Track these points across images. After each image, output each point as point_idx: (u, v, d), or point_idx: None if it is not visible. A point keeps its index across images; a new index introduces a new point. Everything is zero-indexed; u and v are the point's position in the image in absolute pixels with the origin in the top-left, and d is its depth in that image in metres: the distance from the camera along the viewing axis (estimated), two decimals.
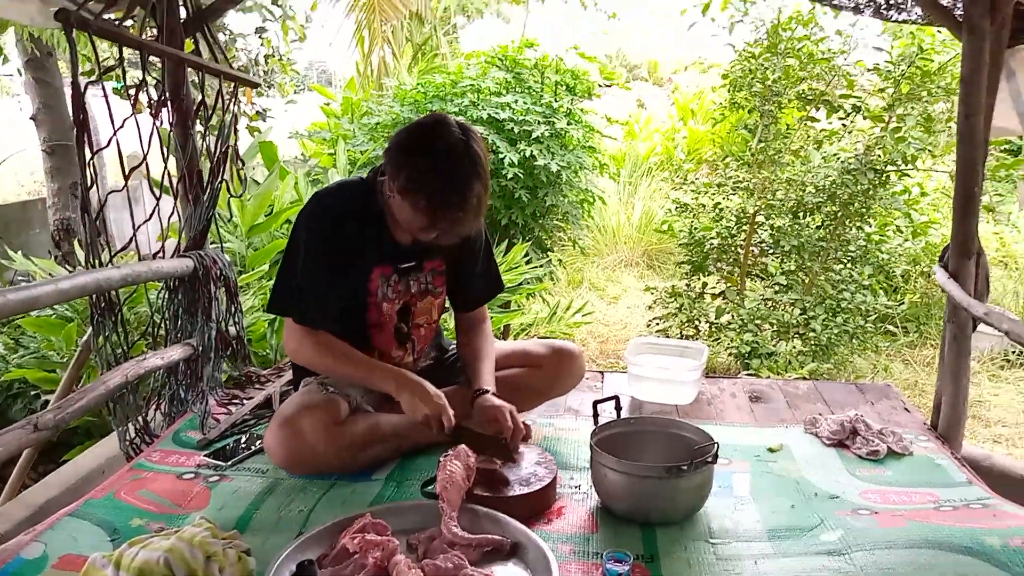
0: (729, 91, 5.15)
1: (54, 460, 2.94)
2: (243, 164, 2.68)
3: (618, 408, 2.15)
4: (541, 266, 5.01)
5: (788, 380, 3.37)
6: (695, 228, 5.25)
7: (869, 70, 4.66)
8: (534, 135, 4.88)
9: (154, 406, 2.48)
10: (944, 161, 4.82)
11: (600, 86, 7.94)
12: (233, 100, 2.60)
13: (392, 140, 1.99)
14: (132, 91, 2.23)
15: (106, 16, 2.21)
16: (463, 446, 1.91)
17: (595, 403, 2.12)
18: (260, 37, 6.83)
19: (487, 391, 2.13)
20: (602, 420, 2.09)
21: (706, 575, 1.66)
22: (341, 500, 1.95)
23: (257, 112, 7.35)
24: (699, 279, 5.26)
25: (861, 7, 2.65)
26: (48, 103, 6.26)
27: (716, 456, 1.85)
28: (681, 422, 2.10)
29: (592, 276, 7.10)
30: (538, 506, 1.91)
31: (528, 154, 4.81)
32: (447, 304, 2.40)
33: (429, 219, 1.91)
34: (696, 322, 5.09)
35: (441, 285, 2.30)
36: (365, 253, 2.10)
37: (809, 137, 5.02)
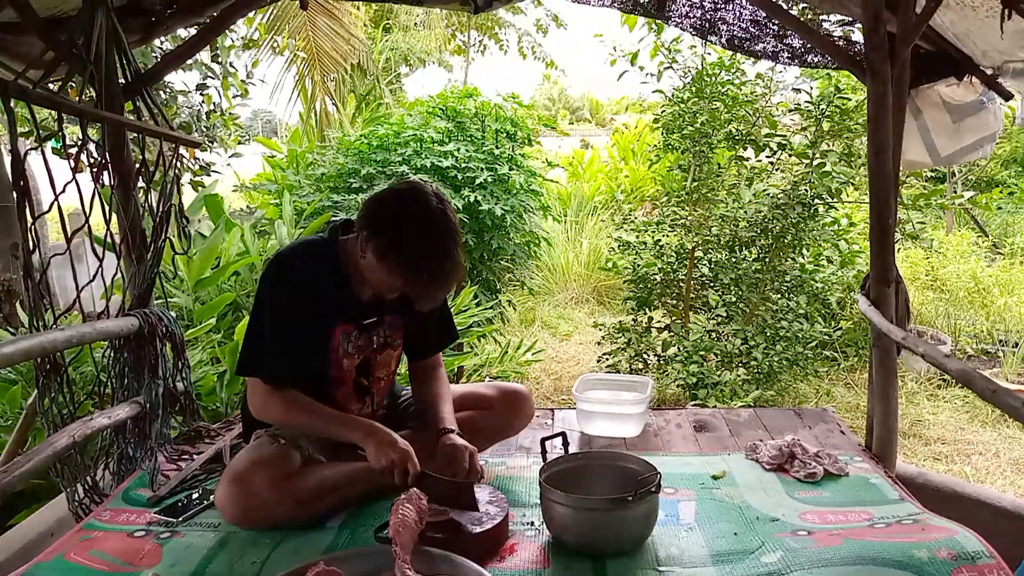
0: (663, 134, 5.34)
1: None
2: (187, 221, 2.69)
3: (565, 444, 2.20)
4: (490, 307, 5.07)
5: (731, 408, 3.47)
6: (638, 265, 5.38)
7: (791, 110, 4.90)
8: (477, 181, 4.99)
9: (102, 466, 2.44)
10: (868, 193, 5.05)
11: (543, 129, 8.14)
12: (174, 159, 2.63)
13: (368, 204, 2.05)
14: (73, 151, 2.25)
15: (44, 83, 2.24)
16: (415, 490, 1.94)
17: (543, 440, 2.17)
18: (201, 94, 6.84)
19: (451, 430, 2.17)
20: (551, 456, 2.14)
21: None
22: (294, 550, 1.95)
23: (201, 167, 7.34)
24: (645, 314, 5.38)
25: (777, 54, 2.82)
26: (13, 165, 6.16)
27: (659, 486, 1.91)
28: (627, 454, 2.17)
29: (543, 314, 7.19)
30: (491, 544, 1.94)
31: (472, 200, 4.91)
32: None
33: (406, 283, 1.97)
34: (644, 356, 5.19)
35: (399, 338, 2.34)
36: (327, 311, 2.14)
37: (741, 175, 5.22)
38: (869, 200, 2.52)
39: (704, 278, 5.31)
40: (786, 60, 2.84)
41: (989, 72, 2.96)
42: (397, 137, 5.30)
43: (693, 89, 4.90)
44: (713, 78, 4.79)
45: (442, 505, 2.01)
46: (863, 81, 2.38)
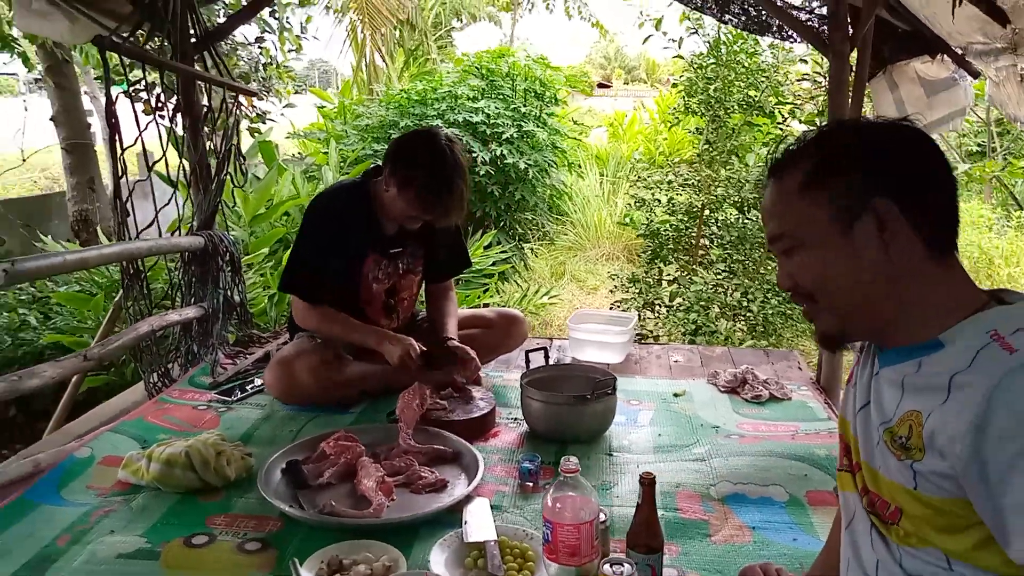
0: (683, 98, 5.60)
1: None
2: (244, 160, 3.12)
3: (546, 357, 2.60)
4: (509, 251, 5.45)
5: (708, 347, 3.82)
6: (651, 220, 5.70)
7: (799, 80, 5.13)
8: (504, 136, 5.32)
9: (173, 360, 2.92)
10: None
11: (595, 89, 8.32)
12: (235, 107, 3.04)
13: (391, 145, 2.44)
14: (148, 96, 2.68)
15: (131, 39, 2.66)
16: (417, 384, 2.36)
17: (527, 352, 2.58)
18: (259, 47, 7.24)
19: (451, 338, 2.59)
20: (533, 366, 2.55)
21: (600, 473, 2.11)
22: (323, 424, 2.39)
23: (257, 115, 7.78)
24: (655, 267, 5.71)
25: (748, 25, 3.09)
26: (66, 106, 6.67)
27: (614, 389, 2.30)
28: (596, 367, 2.56)
29: (573, 268, 7.53)
30: (477, 429, 2.35)
31: (498, 153, 5.26)
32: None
33: (421, 209, 2.36)
34: (653, 305, 5.55)
35: (420, 265, 2.74)
36: (359, 244, 2.53)
37: (755, 140, 5.47)
38: None
39: (714, 235, 5.61)
40: (758, 31, 3.12)
41: (959, 51, 3.21)
42: (434, 92, 5.65)
43: (711, 56, 5.14)
44: (729, 47, 5.03)
45: (443, 371, 2.49)
46: (826, 56, 2.66)
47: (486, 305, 4.95)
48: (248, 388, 2.68)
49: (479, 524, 1.75)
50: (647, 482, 1.47)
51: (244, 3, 3.33)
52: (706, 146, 5.35)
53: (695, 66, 5.29)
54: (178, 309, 2.74)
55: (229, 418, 2.44)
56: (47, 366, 1.97)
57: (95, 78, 9.17)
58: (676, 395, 2.79)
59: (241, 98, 7.36)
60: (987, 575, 0.91)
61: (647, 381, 2.94)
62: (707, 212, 5.47)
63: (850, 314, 1.04)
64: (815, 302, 1.06)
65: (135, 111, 2.66)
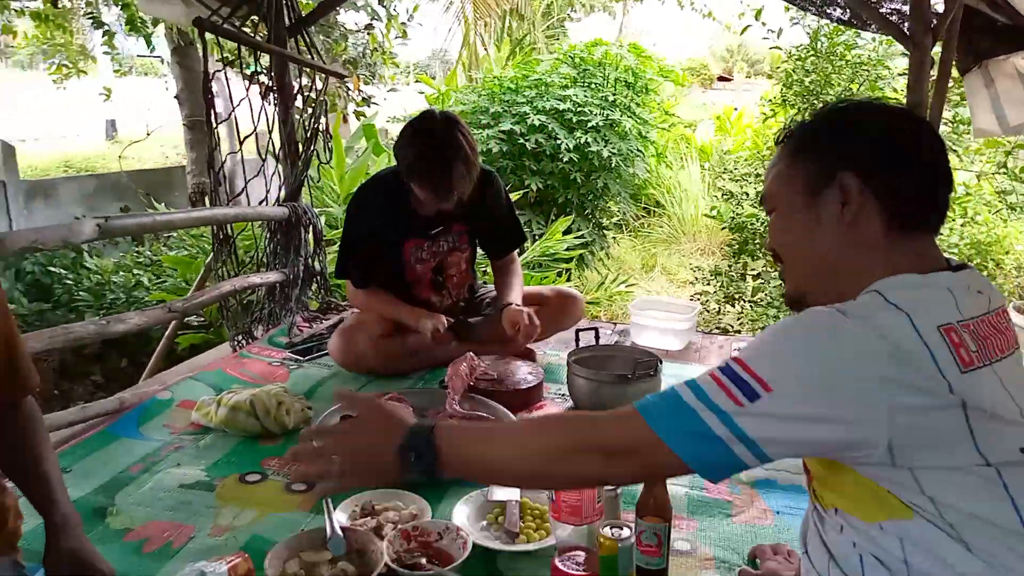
0: (780, 90, 5.46)
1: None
2: (330, 137, 3.30)
3: (596, 337, 2.65)
4: (582, 236, 5.48)
5: None
6: (738, 214, 5.59)
7: (902, 73, 4.90)
8: (590, 124, 5.35)
9: (256, 320, 3.15)
10: (974, 160, 4.99)
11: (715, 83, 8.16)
12: (324, 88, 3.22)
13: (399, 134, 2.51)
14: (252, 78, 2.89)
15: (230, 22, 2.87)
16: (470, 354, 2.47)
17: (577, 331, 2.63)
18: (367, 33, 7.53)
19: (512, 303, 2.66)
20: (582, 345, 2.60)
21: None
22: (381, 387, 2.53)
23: (363, 99, 8.10)
24: (739, 260, 5.60)
25: (842, 19, 3.01)
26: (189, 85, 7.16)
27: (657, 371, 2.33)
28: (643, 350, 2.59)
29: (665, 261, 7.44)
30: (523, 400, 2.43)
31: (583, 141, 5.29)
32: (479, 254, 2.96)
33: (427, 192, 2.40)
34: (734, 299, 5.46)
35: (466, 242, 2.82)
36: (396, 229, 2.63)
37: None
38: None
39: None
40: (857, 25, 3.02)
41: None
42: (525, 80, 5.74)
43: (810, 48, 4.98)
44: (829, 38, 4.86)
45: (490, 342, 2.59)
46: (907, 48, 2.57)
47: None
48: (319, 350, 2.86)
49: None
50: None
51: None
52: None
53: (793, 57, 5.15)
54: (260, 273, 2.95)
55: (297, 375, 2.62)
56: (133, 314, 2.19)
57: (217, 59, 9.83)
58: None
59: (349, 82, 7.70)
60: (870, 528, 0.94)
61: (701, 368, 2.93)
62: None
63: (808, 278, 1.08)
64: (783, 263, 1.12)
65: (229, 91, 2.87)
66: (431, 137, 2.35)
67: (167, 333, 3.23)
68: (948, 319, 0.90)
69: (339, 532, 1.55)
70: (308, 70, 3.23)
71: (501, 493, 1.79)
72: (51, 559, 1.33)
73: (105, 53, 7.06)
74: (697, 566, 1.61)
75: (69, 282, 5.11)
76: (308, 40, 3.16)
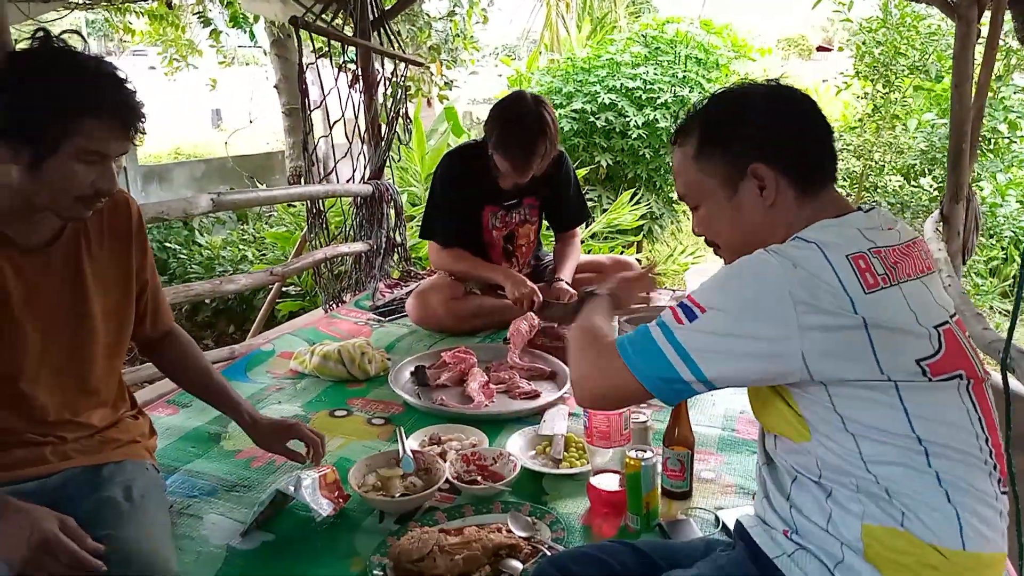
0: (853, 62, 5.42)
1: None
2: (410, 120, 3.59)
3: (647, 299, 2.84)
4: (650, 210, 5.61)
5: None
6: None
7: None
8: (659, 101, 5.46)
9: (345, 287, 3.49)
10: None
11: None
12: (405, 75, 3.51)
13: (490, 110, 2.77)
14: (342, 68, 3.19)
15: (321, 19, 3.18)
16: (530, 313, 2.71)
17: None
18: (449, 20, 7.83)
19: (561, 279, 2.90)
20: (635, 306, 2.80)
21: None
22: (452, 343, 2.80)
23: (446, 83, 8.42)
24: None
25: None
26: (287, 75, 7.62)
27: None
28: None
29: None
30: None
31: (652, 118, 5.42)
32: (545, 227, 3.19)
33: (510, 165, 2.66)
34: None
35: (535, 215, 3.07)
36: (477, 197, 2.89)
37: (925, 106, 5.19)
38: (950, 126, 2.78)
39: (876, 203, 5.39)
40: None
41: None
42: (597, 60, 5.89)
43: (881, 19, 4.93)
44: (900, 9, 4.80)
45: (560, 324, 2.76)
46: (952, 20, 2.62)
47: None
48: (399, 312, 3.17)
49: (554, 422, 2.07)
50: None
51: None
52: (873, 111, 5.17)
53: (864, 28, 5.10)
54: (348, 243, 3.28)
55: (379, 332, 2.93)
56: (241, 276, 2.54)
57: (311, 51, 10.35)
58: None
59: (432, 68, 8.00)
60: (784, 444, 1.11)
61: None
62: (870, 179, 5.29)
63: (744, 252, 1.14)
64: (719, 247, 1.25)
65: (321, 81, 3.19)
66: (520, 115, 2.60)
67: (269, 297, 3.63)
68: (858, 248, 1.02)
69: (409, 453, 1.83)
70: (389, 59, 3.52)
71: (550, 428, 2.03)
72: (263, 439, 1.77)
73: (211, 46, 7.60)
74: (719, 491, 1.81)
75: (183, 256, 5.65)
76: (389, 32, 3.44)
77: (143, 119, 1.35)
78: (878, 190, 5.14)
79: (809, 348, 0.98)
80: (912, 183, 5.01)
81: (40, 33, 1.30)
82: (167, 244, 5.75)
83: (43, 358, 1.45)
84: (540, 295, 2.76)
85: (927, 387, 1.00)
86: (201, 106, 16.23)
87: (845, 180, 5.31)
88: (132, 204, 1.59)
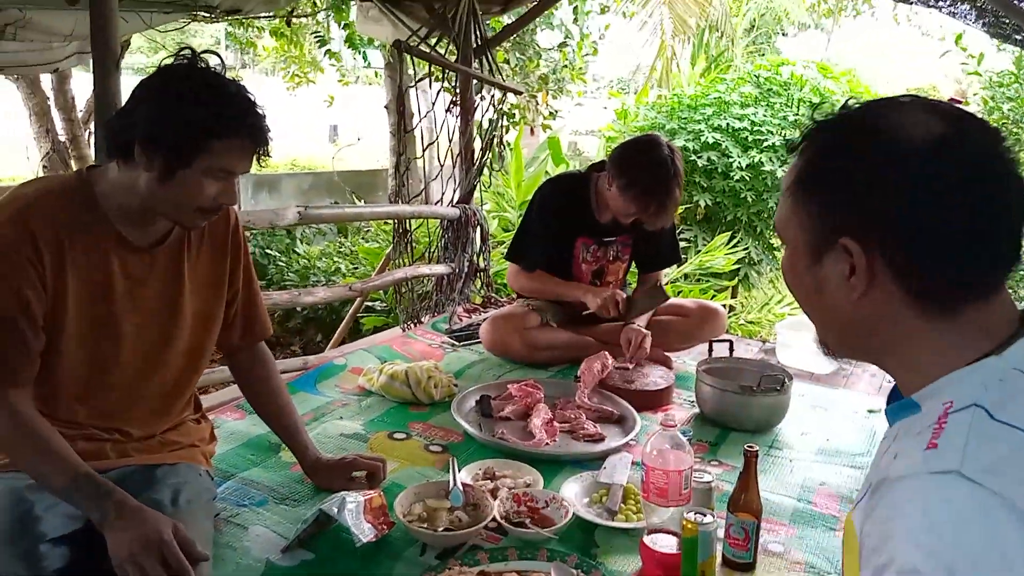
0: (983, 115, 5.08)
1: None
2: (504, 146, 3.60)
3: (731, 350, 2.70)
4: (748, 254, 5.41)
5: None
6: None
7: None
8: (766, 143, 5.28)
9: (424, 308, 3.50)
10: None
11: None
12: (502, 103, 3.52)
13: (618, 148, 2.72)
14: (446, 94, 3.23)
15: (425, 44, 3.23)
16: (605, 352, 2.61)
17: (710, 342, 2.70)
18: (559, 51, 7.88)
19: (634, 322, 2.80)
20: (715, 355, 2.67)
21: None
22: (522, 375, 2.75)
23: (550, 113, 8.46)
24: None
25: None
26: (396, 96, 7.86)
27: (784, 386, 2.35)
28: (776, 366, 2.60)
29: None
30: (651, 401, 2.53)
31: (757, 160, 5.23)
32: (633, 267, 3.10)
33: (638, 209, 2.60)
34: None
35: (627, 254, 2.99)
36: (573, 227, 2.85)
37: None
38: None
39: None
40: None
41: None
42: (705, 98, 5.76)
43: (1014, 74, 4.60)
44: None
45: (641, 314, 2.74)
46: None
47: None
48: (474, 338, 3.14)
49: (614, 471, 1.97)
50: (750, 454, 1.61)
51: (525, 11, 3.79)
52: None
53: (994, 83, 4.78)
54: (429, 264, 3.29)
55: (451, 356, 2.91)
56: (320, 289, 2.59)
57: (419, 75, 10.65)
58: (870, 411, 2.70)
59: (538, 96, 8.06)
60: None
61: (843, 392, 2.88)
62: None
63: (823, 333, 0.91)
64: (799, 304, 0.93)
65: (418, 104, 3.23)
66: (658, 162, 2.55)
67: (350, 311, 3.68)
68: None
69: (459, 486, 1.78)
70: (489, 86, 3.55)
71: (610, 476, 1.94)
72: (323, 481, 1.83)
73: (331, 65, 7.93)
74: (786, 568, 1.66)
75: (282, 264, 5.86)
76: (491, 61, 3.47)
77: (270, 141, 1.43)
78: None
79: None
80: None
81: (186, 50, 1.39)
82: (268, 251, 5.98)
83: (132, 355, 1.51)
84: (623, 294, 2.68)
85: None
86: (320, 121, 16.96)
87: None
88: (232, 212, 1.66)
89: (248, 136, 1.38)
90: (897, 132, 0.75)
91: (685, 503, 1.64)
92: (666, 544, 1.60)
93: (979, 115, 0.74)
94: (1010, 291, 0.80)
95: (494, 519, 1.70)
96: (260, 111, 1.40)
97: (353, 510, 1.61)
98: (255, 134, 1.39)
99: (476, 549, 1.64)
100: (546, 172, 5.92)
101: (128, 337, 1.50)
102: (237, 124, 1.36)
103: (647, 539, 1.62)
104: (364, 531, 1.58)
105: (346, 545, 1.60)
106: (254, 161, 1.44)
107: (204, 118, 1.33)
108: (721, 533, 1.64)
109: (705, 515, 1.53)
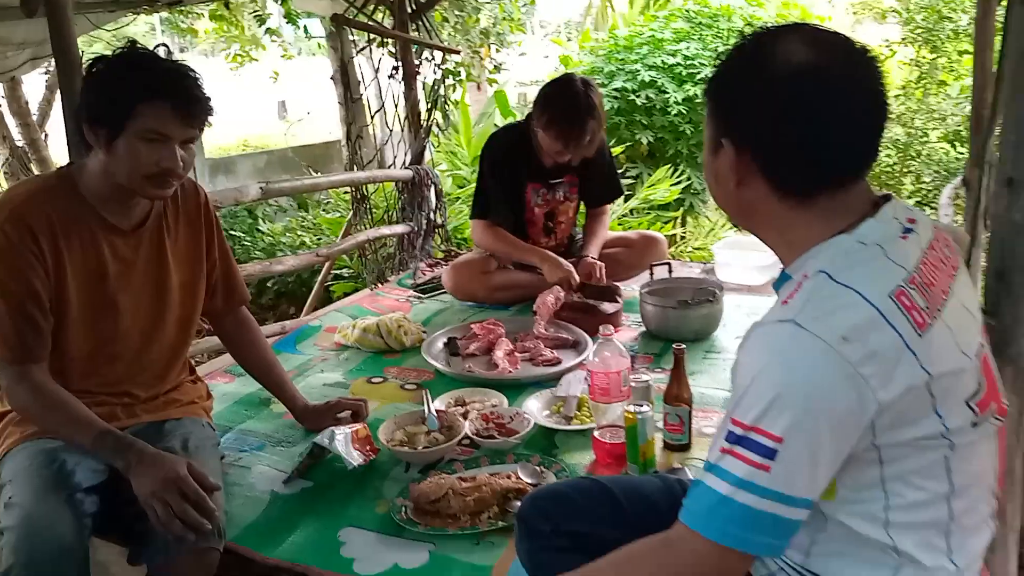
0: (900, 29, 5.31)
1: None
2: (451, 105, 3.77)
3: (669, 271, 2.96)
4: (691, 185, 5.64)
5: None
6: None
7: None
8: (698, 76, 5.49)
9: (387, 266, 3.71)
10: None
11: None
12: (444, 63, 3.68)
13: (539, 91, 2.90)
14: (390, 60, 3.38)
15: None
16: (556, 287, 2.85)
17: (652, 265, 2.95)
18: (497, 3, 7.93)
19: (589, 255, 3.02)
20: (656, 278, 2.93)
21: (692, 364, 2.46)
22: (483, 315, 2.99)
23: (495, 67, 8.54)
24: None
25: None
26: (341, 67, 7.89)
27: (716, 298, 2.62)
28: (710, 280, 2.87)
29: None
30: (602, 322, 2.77)
31: (692, 94, 5.45)
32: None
33: (562, 143, 2.77)
34: None
35: (575, 194, 3.19)
36: (521, 174, 3.03)
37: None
38: (972, 92, 2.79)
39: (918, 171, 5.31)
40: None
41: None
42: (640, 37, 5.94)
43: None
44: None
45: (595, 300, 2.88)
46: None
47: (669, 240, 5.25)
48: (438, 290, 3.36)
49: (569, 385, 2.23)
50: (678, 352, 1.87)
51: None
52: (919, 78, 5.08)
53: None
54: (389, 225, 3.50)
55: (418, 308, 3.14)
56: (290, 257, 2.79)
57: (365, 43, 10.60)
58: None
59: (481, 51, 8.13)
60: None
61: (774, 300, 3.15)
62: (914, 147, 5.21)
63: (725, 211, 1.09)
64: None
65: (361, 73, 3.39)
66: (572, 97, 2.71)
67: (320, 278, 3.88)
68: (894, 281, 0.87)
69: (434, 413, 2.02)
70: (428, 49, 3.70)
71: (565, 390, 2.20)
72: (312, 423, 2.03)
73: (273, 41, 7.90)
74: None
75: (247, 243, 5.98)
76: (427, 25, 3.62)
77: (204, 105, 1.54)
78: (921, 158, 5.05)
79: (879, 418, 0.85)
80: (957, 149, 4.92)
81: (127, 44, 1.57)
82: (232, 232, 6.08)
83: (130, 329, 1.70)
84: (577, 277, 2.87)
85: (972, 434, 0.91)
86: (268, 99, 16.74)
87: (891, 148, 5.23)
88: (201, 191, 1.85)
89: (172, 97, 1.48)
90: (768, 59, 0.93)
91: (626, 399, 1.90)
92: (613, 436, 1.87)
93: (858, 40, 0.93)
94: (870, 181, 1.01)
95: (466, 435, 1.96)
96: (189, 76, 1.52)
97: (342, 440, 1.85)
98: (179, 95, 1.49)
99: (453, 461, 1.89)
100: (495, 126, 6.07)
101: (125, 313, 1.68)
102: (158, 86, 1.47)
103: (597, 434, 1.89)
104: (354, 457, 1.82)
105: (340, 471, 1.84)
106: (195, 129, 1.54)
107: (128, 86, 1.46)
108: (661, 424, 1.92)
109: (642, 405, 1.79)
